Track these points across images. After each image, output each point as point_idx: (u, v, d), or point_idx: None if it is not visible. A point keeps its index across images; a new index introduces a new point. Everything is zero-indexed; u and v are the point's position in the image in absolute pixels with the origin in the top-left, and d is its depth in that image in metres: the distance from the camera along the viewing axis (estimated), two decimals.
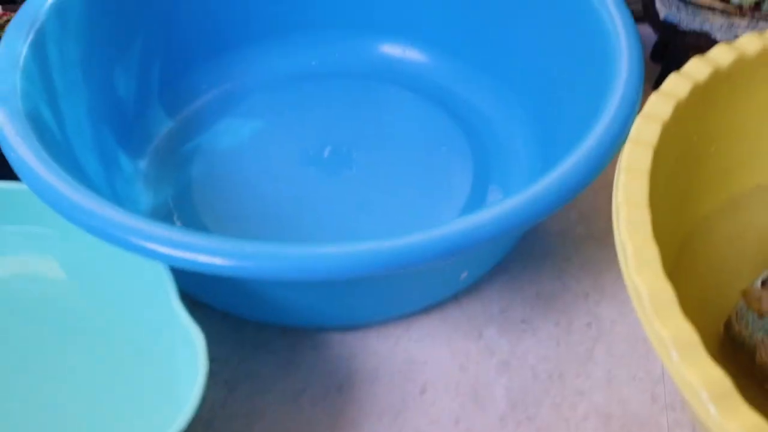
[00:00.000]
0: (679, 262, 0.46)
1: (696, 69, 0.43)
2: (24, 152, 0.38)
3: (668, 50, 0.61)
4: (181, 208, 0.53)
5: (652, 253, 0.34)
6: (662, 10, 0.57)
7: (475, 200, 0.54)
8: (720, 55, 0.43)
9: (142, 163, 0.55)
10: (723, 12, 0.54)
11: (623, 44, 0.45)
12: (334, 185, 0.55)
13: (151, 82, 0.58)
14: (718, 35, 0.55)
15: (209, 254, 0.34)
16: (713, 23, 0.55)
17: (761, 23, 0.54)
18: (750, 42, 0.44)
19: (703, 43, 0.55)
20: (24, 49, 0.45)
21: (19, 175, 0.38)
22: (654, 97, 0.41)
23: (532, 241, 0.52)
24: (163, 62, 0.59)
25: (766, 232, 0.48)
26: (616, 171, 0.38)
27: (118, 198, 0.51)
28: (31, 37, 0.46)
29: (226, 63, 0.62)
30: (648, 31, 0.61)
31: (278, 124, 0.60)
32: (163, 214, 0.52)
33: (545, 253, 0.51)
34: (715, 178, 0.48)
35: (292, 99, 0.62)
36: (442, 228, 0.36)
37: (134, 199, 0.53)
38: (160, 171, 0.55)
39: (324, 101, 0.62)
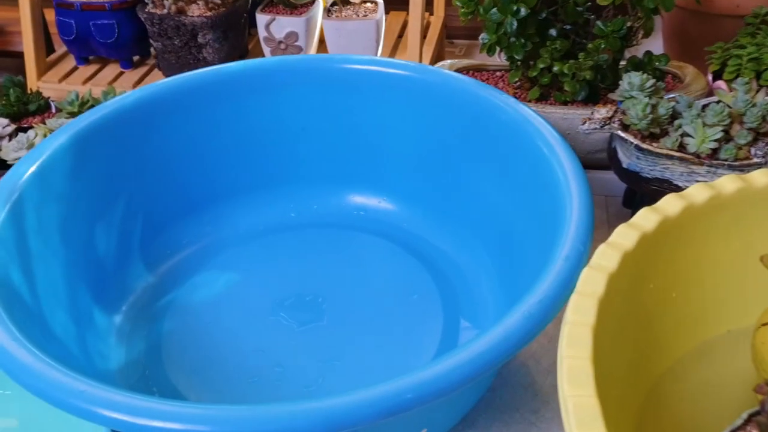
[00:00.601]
0: (647, 409, 0.45)
1: (644, 219, 0.44)
2: None
3: (636, 197, 0.63)
4: (152, 365, 0.53)
5: (594, 410, 0.33)
6: (624, 159, 0.59)
7: (448, 343, 0.54)
8: (668, 204, 0.44)
9: (117, 318, 0.56)
10: (681, 160, 0.56)
11: (573, 193, 0.47)
12: (305, 337, 0.55)
13: (132, 238, 0.60)
14: (679, 182, 0.57)
15: (147, 418, 0.34)
16: (673, 171, 0.57)
17: (720, 170, 0.56)
18: (698, 191, 0.45)
19: (666, 189, 0.57)
20: (2, 215, 0.47)
21: None
22: (601, 249, 0.42)
23: (500, 393, 0.51)
24: (146, 218, 0.61)
25: (738, 376, 0.47)
26: (562, 323, 0.38)
27: (87, 354, 0.51)
28: (9, 204, 0.48)
29: (206, 217, 0.65)
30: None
31: (253, 275, 0.61)
32: (133, 371, 0.52)
33: (513, 406, 0.50)
34: (684, 324, 0.48)
35: (270, 250, 0.64)
36: (386, 385, 0.36)
37: (105, 354, 0.53)
38: (134, 325, 0.56)
39: (300, 251, 0.64)
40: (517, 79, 0.68)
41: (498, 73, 0.73)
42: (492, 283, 0.56)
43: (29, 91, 0.75)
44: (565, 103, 0.68)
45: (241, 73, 0.63)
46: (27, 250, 0.49)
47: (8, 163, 0.65)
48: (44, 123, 0.68)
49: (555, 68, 0.64)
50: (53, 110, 0.75)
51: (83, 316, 0.54)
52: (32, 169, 0.51)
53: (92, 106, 0.72)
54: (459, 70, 0.72)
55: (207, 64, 0.83)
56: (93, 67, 0.91)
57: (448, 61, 0.73)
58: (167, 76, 0.82)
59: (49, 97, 0.76)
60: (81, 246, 0.55)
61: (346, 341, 0.55)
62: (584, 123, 0.60)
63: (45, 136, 0.65)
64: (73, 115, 0.71)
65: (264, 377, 0.52)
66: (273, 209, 0.67)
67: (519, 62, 0.66)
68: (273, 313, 0.57)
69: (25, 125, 0.72)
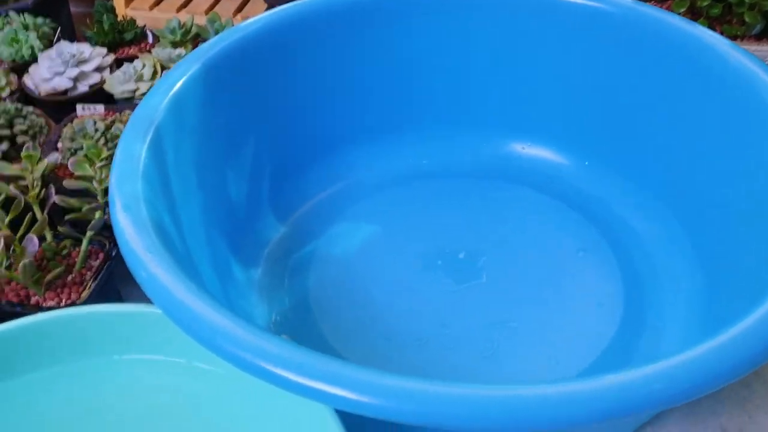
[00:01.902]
0: None
1: None
2: (160, 273, 0.32)
3: None
4: (303, 326, 0.47)
5: None
6: None
7: (634, 308, 0.47)
8: None
9: (256, 273, 0.50)
10: None
11: None
12: (463, 296, 0.49)
13: (261, 183, 0.54)
14: None
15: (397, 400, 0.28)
16: None
17: None
18: None
19: None
20: (143, 152, 0.41)
21: (156, 302, 0.32)
22: None
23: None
24: (274, 163, 0.54)
25: None
26: None
27: (234, 311, 0.45)
28: (149, 137, 0.42)
29: (334, 163, 0.58)
30: None
31: (393, 227, 0.54)
32: (283, 332, 0.46)
33: None
34: None
35: (405, 200, 0.57)
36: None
37: (249, 312, 0.47)
38: (275, 280, 0.50)
39: (438, 202, 0.56)
40: (683, 8, 0.59)
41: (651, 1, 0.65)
42: (684, 257, 0.48)
43: (121, 18, 0.68)
44: (734, 38, 0.59)
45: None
46: (170, 191, 0.42)
47: (116, 97, 0.58)
48: (149, 52, 0.61)
49: None
50: (150, 39, 0.68)
51: (223, 268, 0.47)
52: (167, 100, 0.44)
53: (197, 35, 0.65)
54: None
55: None
56: None
57: None
58: (269, 4, 0.74)
59: (144, 26, 0.69)
60: (215, 189, 0.49)
61: (512, 301, 0.48)
62: None
63: (154, 67, 0.58)
64: (175, 45, 0.63)
65: (431, 340, 0.46)
66: (402, 156, 0.60)
67: None
68: (425, 269, 0.50)
69: (123, 56, 0.65)
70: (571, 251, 0.51)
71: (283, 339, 0.29)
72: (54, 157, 0.47)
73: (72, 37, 0.70)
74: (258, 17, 0.53)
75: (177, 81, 0.46)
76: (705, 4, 0.57)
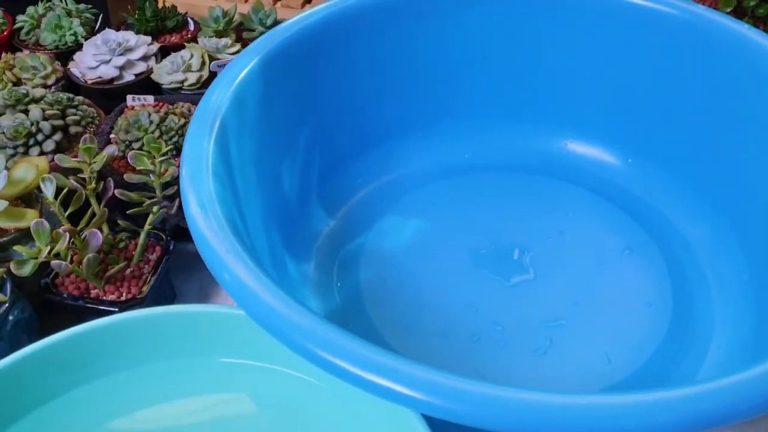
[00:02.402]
0: None
1: None
2: (245, 277, 0.33)
3: None
4: (357, 321, 0.47)
5: None
6: None
7: (683, 308, 0.47)
8: None
9: (308, 267, 0.50)
10: None
11: None
12: (514, 293, 0.49)
13: (311, 177, 0.54)
14: None
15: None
16: None
17: None
18: None
19: None
20: (210, 147, 0.41)
21: (243, 307, 0.32)
22: None
23: None
24: (324, 155, 0.55)
25: None
26: None
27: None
28: (215, 132, 0.42)
29: (382, 155, 0.58)
30: None
31: (441, 221, 0.54)
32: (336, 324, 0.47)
33: None
34: None
35: (452, 194, 0.57)
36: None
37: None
38: (326, 275, 0.50)
39: (485, 196, 0.57)
40: (730, 8, 0.59)
41: None
42: (733, 260, 0.48)
43: (162, 5, 0.68)
44: None
45: None
46: (236, 188, 0.43)
47: (164, 87, 0.58)
48: (195, 41, 0.61)
49: None
50: (191, 27, 0.67)
51: (279, 264, 0.48)
52: (228, 95, 0.45)
53: (240, 24, 0.65)
54: None
55: None
56: None
57: None
58: None
59: (186, 13, 0.68)
60: (271, 184, 0.49)
61: (562, 299, 0.49)
62: None
63: (202, 58, 0.58)
64: (219, 33, 0.63)
65: (485, 337, 0.46)
66: (449, 149, 0.60)
67: None
68: (475, 266, 0.51)
69: (166, 44, 0.64)
70: (618, 250, 0.52)
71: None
72: (111, 150, 0.47)
73: (108, 23, 0.70)
74: (314, 10, 0.53)
75: (237, 76, 0.46)
76: (752, 3, 0.57)
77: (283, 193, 0.51)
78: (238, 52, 0.60)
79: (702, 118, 0.52)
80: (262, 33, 0.63)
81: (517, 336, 0.46)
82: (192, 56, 0.58)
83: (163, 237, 0.47)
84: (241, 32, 0.65)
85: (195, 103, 0.55)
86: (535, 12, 0.56)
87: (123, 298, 0.44)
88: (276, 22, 0.64)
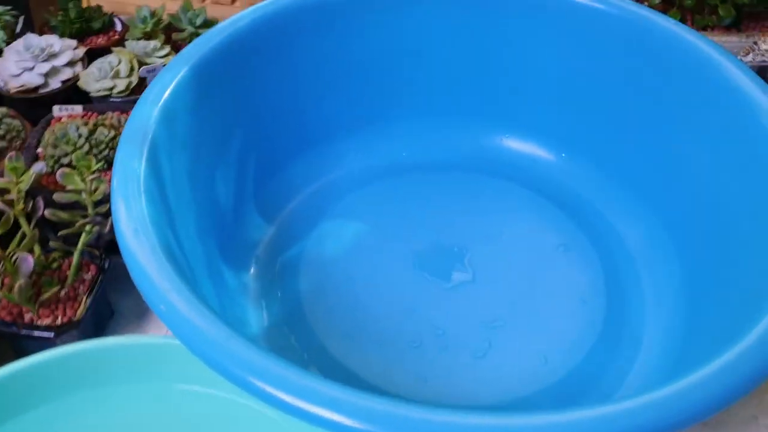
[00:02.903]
0: None
1: None
2: (178, 303, 0.32)
3: None
4: (299, 331, 0.47)
5: None
6: None
7: (613, 322, 0.48)
8: None
9: (247, 277, 0.50)
10: None
11: None
12: (453, 296, 0.50)
13: (246, 184, 0.53)
14: None
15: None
16: None
17: None
18: None
19: None
20: (141, 168, 0.40)
21: (180, 339, 0.32)
22: None
23: None
24: (258, 160, 0.54)
25: None
26: None
27: (228, 321, 0.45)
28: (145, 152, 0.41)
29: (317, 157, 0.58)
30: None
31: (382, 224, 0.55)
32: (279, 339, 0.47)
33: None
34: None
35: (392, 195, 0.57)
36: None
37: (244, 320, 0.47)
38: (266, 284, 0.50)
39: (425, 197, 0.57)
40: (658, 1, 0.61)
41: None
42: (666, 259, 0.50)
43: (87, 4, 0.65)
44: (704, 28, 0.61)
45: None
46: (169, 207, 0.42)
47: (91, 95, 0.56)
48: (122, 43, 0.59)
49: None
50: (118, 28, 0.65)
51: (216, 276, 0.47)
52: (158, 109, 0.44)
53: (169, 25, 0.63)
54: None
55: None
56: None
57: None
58: None
59: (112, 13, 0.66)
60: (206, 196, 0.48)
61: (500, 299, 0.49)
62: (747, 54, 0.54)
63: (130, 63, 0.56)
64: (147, 35, 0.62)
65: (426, 342, 0.47)
66: (386, 148, 0.60)
67: None
68: (415, 269, 0.51)
69: (92, 47, 0.62)
70: (553, 247, 0.53)
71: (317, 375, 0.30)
72: (39, 167, 0.45)
73: (31, 26, 0.67)
74: (244, 13, 0.52)
75: (166, 88, 0.45)
76: None
77: (218, 203, 0.50)
78: (167, 55, 0.59)
79: (633, 116, 0.53)
80: (192, 34, 0.62)
81: (457, 339, 0.47)
82: (120, 62, 0.56)
83: (98, 254, 0.46)
84: (170, 33, 0.63)
85: (125, 111, 0.54)
86: (468, 9, 0.56)
87: (58, 322, 0.43)
88: (206, 22, 0.63)
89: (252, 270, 0.51)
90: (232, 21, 0.51)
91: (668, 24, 0.50)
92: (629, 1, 0.52)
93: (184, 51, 0.48)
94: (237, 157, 0.52)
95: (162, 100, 0.44)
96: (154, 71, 0.56)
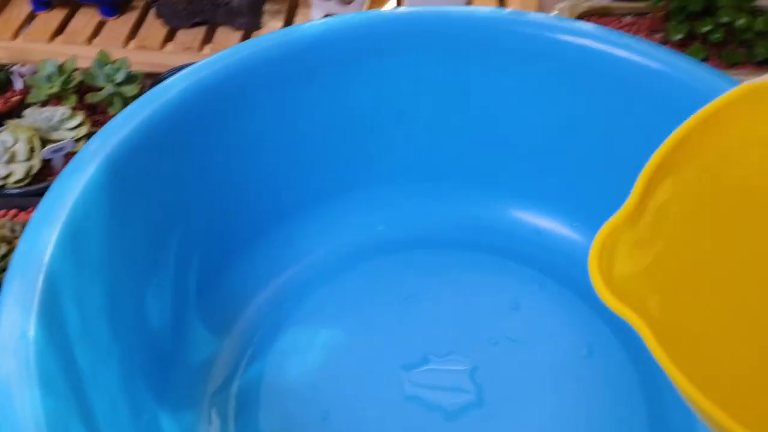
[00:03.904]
0: None
1: None
2: None
3: None
4: None
5: None
6: None
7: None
8: None
9: (192, 418, 0.39)
10: None
11: None
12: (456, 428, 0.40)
13: (188, 293, 0.42)
14: None
15: None
16: None
17: None
18: None
19: None
20: (31, 330, 0.28)
21: None
22: None
23: None
24: (202, 262, 0.43)
25: None
26: None
27: None
28: (37, 302, 0.29)
29: (276, 245, 0.47)
30: None
31: (357, 328, 0.44)
32: None
33: None
34: None
35: (366, 285, 0.47)
36: None
37: None
38: (218, 426, 0.39)
39: (412, 286, 0.47)
40: (681, 35, 0.51)
41: (627, 19, 0.56)
42: None
43: None
44: (734, 65, 0.52)
45: (336, 36, 0.43)
46: (77, 370, 0.31)
47: None
48: (19, 117, 0.47)
49: (739, 21, 0.48)
50: (16, 87, 0.53)
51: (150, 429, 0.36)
52: (57, 232, 0.32)
53: (81, 83, 0.51)
54: (580, 17, 0.54)
55: (231, 12, 0.61)
56: (58, 15, 0.64)
57: (566, 2, 0.55)
58: (171, 25, 0.61)
59: (8, 66, 0.54)
60: (134, 327, 0.37)
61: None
62: None
63: (30, 141, 0.44)
64: (58, 97, 0.49)
65: None
66: (358, 223, 0.49)
67: (689, 13, 0.49)
68: (404, 394, 0.41)
69: None
70: (576, 349, 0.43)
71: None
72: None
73: None
74: (173, 80, 0.40)
75: (68, 198, 0.33)
76: (706, 29, 0.49)
77: (151, 329, 0.39)
78: (80, 126, 0.47)
79: None
80: (111, 94, 0.50)
81: None
82: (16, 141, 0.44)
83: None
84: (84, 93, 0.51)
85: (24, 208, 0.42)
86: (456, 59, 0.45)
87: None
88: (129, 77, 0.51)
89: (198, 408, 0.40)
90: (158, 92, 0.39)
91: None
92: (643, 41, 0.43)
93: (92, 142, 0.36)
94: (174, 263, 0.41)
95: (62, 219, 0.32)
96: (61, 150, 0.44)
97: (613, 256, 0.21)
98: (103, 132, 0.37)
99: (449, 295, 0.46)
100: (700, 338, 0.19)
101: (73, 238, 0.32)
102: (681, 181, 0.20)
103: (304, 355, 0.43)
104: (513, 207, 0.49)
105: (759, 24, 0.47)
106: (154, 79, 0.57)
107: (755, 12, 0.50)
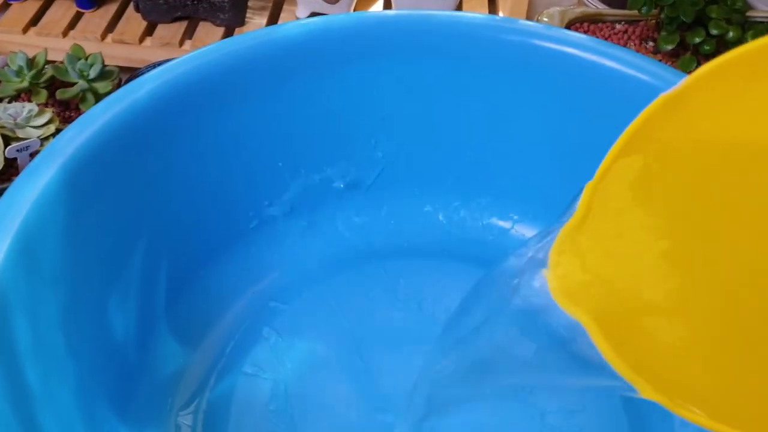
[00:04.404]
0: None
1: None
2: None
3: None
4: None
5: None
6: None
7: None
8: None
9: None
10: None
11: None
12: None
13: (155, 303, 0.40)
14: None
15: None
16: None
17: None
18: None
19: None
20: None
21: None
22: None
23: None
24: (170, 270, 0.41)
25: None
26: None
27: None
28: None
29: (250, 252, 0.45)
30: None
31: (332, 342, 0.42)
32: None
33: None
34: None
35: (346, 297, 0.45)
36: None
37: None
38: None
39: (388, 296, 0.45)
40: (672, 45, 0.49)
41: (618, 27, 0.54)
42: None
43: None
44: None
45: (320, 38, 0.41)
46: (25, 391, 0.29)
47: None
48: None
49: (730, 34, 0.46)
50: None
51: None
52: (8, 242, 0.30)
53: (52, 78, 0.49)
54: (571, 23, 0.52)
55: (213, 7, 0.59)
56: (32, 6, 0.61)
57: (557, 8, 0.53)
58: (150, 20, 0.59)
59: None
60: (94, 340, 0.35)
61: None
62: None
63: None
64: (27, 92, 0.47)
65: None
66: (334, 230, 0.48)
67: (680, 23, 0.47)
68: (381, 409, 0.39)
69: None
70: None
71: None
72: None
73: None
74: (143, 79, 0.38)
75: (24, 205, 0.31)
76: (697, 40, 0.47)
77: (113, 342, 0.37)
78: (48, 124, 0.45)
79: None
80: (83, 90, 0.48)
81: None
82: None
83: None
84: (55, 89, 0.49)
85: None
86: (442, 64, 0.44)
87: None
88: (103, 73, 0.49)
89: (165, 424, 0.38)
90: (129, 89, 0.37)
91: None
92: (628, 51, 0.41)
93: (51, 145, 0.34)
94: (140, 272, 0.39)
95: (13, 231, 0.30)
96: (26, 149, 0.42)
97: (567, 260, 0.22)
98: (66, 132, 0.35)
99: (431, 305, 0.44)
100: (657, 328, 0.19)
101: (25, 249, 0.30)
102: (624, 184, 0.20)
103: (278, 369, 0.41)
104: (496, 215, 0.48)
105: (749, 38, 0.46)
106: (132, 74, 0.55)
107: (746, 24, 0.48)
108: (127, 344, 0.38)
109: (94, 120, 0.35)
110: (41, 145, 0.42)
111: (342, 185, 0.48)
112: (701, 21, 0.47)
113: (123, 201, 0.37)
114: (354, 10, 0.70)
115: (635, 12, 0.51)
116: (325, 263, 0.47)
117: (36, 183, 0.32)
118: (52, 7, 0.59)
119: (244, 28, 0.63)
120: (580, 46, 0.39)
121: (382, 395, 0.40)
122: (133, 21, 0.58)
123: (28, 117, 0.44)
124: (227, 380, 0.40)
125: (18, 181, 0.32)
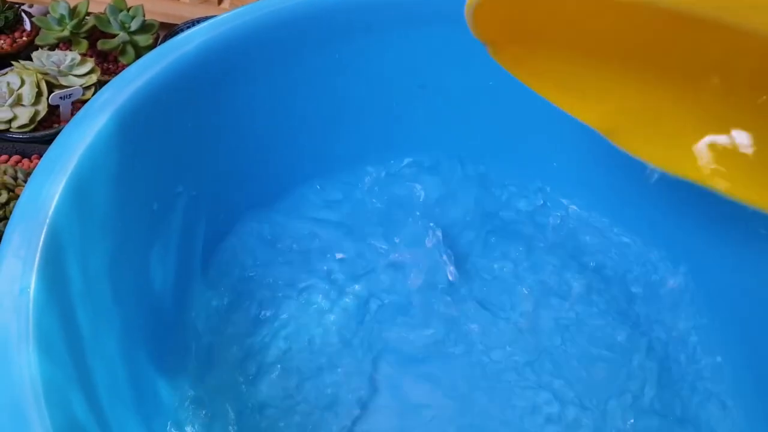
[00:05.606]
0: None
1: None
2: None
3: None
4: None
5: None
6: None
7: None
8: None
9: (186, 387, 0.37)
10: None
11: None
12: None
13: (193, 252, 0.41)
14: None
15: None
16: None
17: None
18: None
19: None
20: (32, 286, 0.27)
21: None
22: None
23: None
24: (209, 218, 0.41)
25: None
26: None
27: None
28: (38, 256, 0.28)
29: (291, 203, 0.45)
30: None
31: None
32: None
33: None
34: None
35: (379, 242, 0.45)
36: None
37: None
38: (218, 399, 0.38)
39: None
40: None
41: None
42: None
43: None
44: None
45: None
46: (76, 330, 0.29)
47: None
48: (27, 59, 0.44)
49: None
50: (27, 27, 0.51)
51: (147, 400, 0.35)
52: (63, 184, 0.30)
53: (94, 28, 0.48)
54: None
55: None
56: None
57: None
58: None
59: (18, 6, 0.51)
60: (137, 290, 0.35)
61: None
62: None
63: (37, 84, 0.42)
64: (64, 41, 0.47)
65: None
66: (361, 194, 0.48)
67: None
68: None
69: None
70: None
71: None
72: None
73: None
74: (191, 33, 0.38)
75: (76, 149, 0.31)
76: None
77: (153, 292, 0.37)
78: (90, 73, 0.45)
79: None
80: (123, 42, 0.48)
81: None
82: (23, 83, 0.42)
83: None
84: (95, 39, 0.49)
85: (28, 155, 0.40)
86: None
87: None
88: (144, 26, 0.48)
89: (204, 387, 0.38)
90: (177, 43, 0.37)
91: None
92: None
93: (104, 91, 0.34)
94: (180, 225, 0.39)
95: (69, 171, 0.30)
96: (69, 97, 0.41)
97: None
98: (116, 81, 0.34)
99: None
100: None
101: (79, 191, 0.30)
102: None
103: (316, 322, 0.41)
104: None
105: None
106: (169, 30, 0.54)
107: None
108: (165, 297, 0.38)
109: (146, 70, 0.35)
110: (83, 94, 0.42)
111: (378, 148, 0.48)
112: None
113: (168, 152, 0.37)
114: None
115: None
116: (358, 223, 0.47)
117: (90, 128, 0.32)
118: None
119: None
120: None
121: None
122: None
123: (71, 65, 0.43)
124: (262, 334, 0.41)
125: (70, 126, 0.32)
